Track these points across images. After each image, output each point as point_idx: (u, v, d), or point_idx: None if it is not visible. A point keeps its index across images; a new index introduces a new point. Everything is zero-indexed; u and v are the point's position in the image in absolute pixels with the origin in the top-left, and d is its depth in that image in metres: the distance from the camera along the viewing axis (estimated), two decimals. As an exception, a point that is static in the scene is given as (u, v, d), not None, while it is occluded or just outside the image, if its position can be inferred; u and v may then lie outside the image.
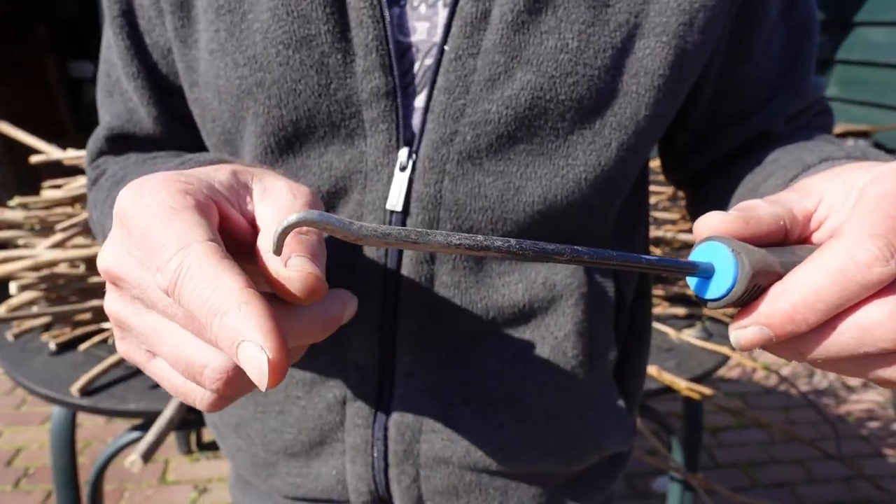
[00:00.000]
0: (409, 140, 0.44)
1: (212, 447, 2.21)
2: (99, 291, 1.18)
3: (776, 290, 0.27)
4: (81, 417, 1.12)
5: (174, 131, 0.52)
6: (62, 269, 1.15)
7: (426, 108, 0.43)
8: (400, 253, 0.45)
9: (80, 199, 1.27)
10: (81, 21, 4.49)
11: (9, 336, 1.10)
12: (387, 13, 0.41)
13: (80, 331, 1.15)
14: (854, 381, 2.85)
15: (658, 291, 1.35)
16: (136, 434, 1.00)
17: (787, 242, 0.30)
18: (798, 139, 0.48)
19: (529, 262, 0.45)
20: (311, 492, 0.53)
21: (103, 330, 1.15)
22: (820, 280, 0.26)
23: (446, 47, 0.42)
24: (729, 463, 2.25)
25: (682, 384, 1.05)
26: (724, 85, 0.49)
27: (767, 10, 0.47)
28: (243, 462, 0.55)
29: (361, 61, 0.42)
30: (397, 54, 0.42)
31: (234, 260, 0.27)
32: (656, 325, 1.25)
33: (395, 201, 0.43)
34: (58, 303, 1.16)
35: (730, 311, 0.82)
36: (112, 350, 1.10)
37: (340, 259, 0.46)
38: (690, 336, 1.22)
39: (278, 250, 0.24)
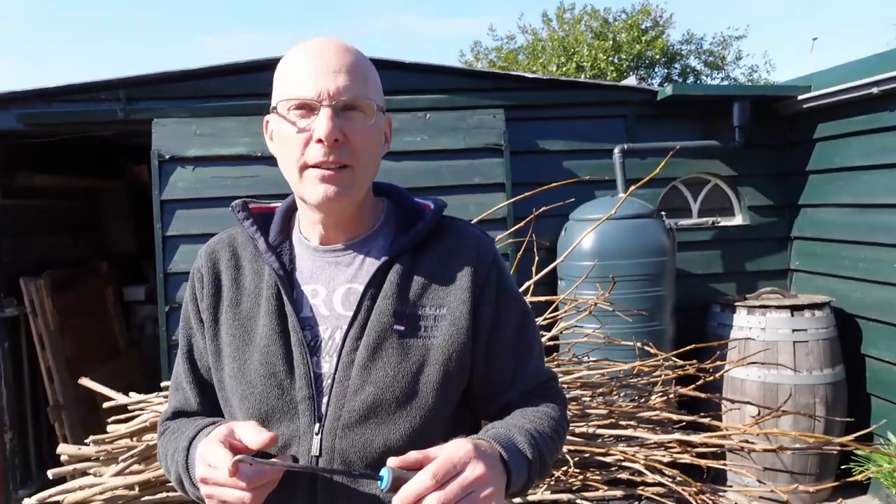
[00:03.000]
0: (320, 419, 0.87)
1: None
2: (148, 507, 1.55)
3: (399, 491, 0.71)
4: None
5: (209, 410, 0.99)
6: (121, 491, 1.53)
7: (328, 404, 0.87)
8: (317, 460, 0.87)
9: (138, 433, 1.68)
10: (137, 252, 5.05)
11: (81, 548, 1.46)
12: (311, 362, 0.88)
13: (134, 541, 1.51)
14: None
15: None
16: None
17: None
18: (521, 409, 0.93)
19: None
20: None
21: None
22: (411, 489, 0.70)
23: (336, 375, 0.87)
24: None
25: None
26: (483, 382, 0.95)
27: (503, 343, 0.94)
28: None
29: (298, 383, 0.88)
30: (315, 379, 0.88)
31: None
32: None
33: (315, 451, 0.86)
34: (117, 519, 1.52)
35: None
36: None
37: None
38: None
39: (235, 467, 0.75)
